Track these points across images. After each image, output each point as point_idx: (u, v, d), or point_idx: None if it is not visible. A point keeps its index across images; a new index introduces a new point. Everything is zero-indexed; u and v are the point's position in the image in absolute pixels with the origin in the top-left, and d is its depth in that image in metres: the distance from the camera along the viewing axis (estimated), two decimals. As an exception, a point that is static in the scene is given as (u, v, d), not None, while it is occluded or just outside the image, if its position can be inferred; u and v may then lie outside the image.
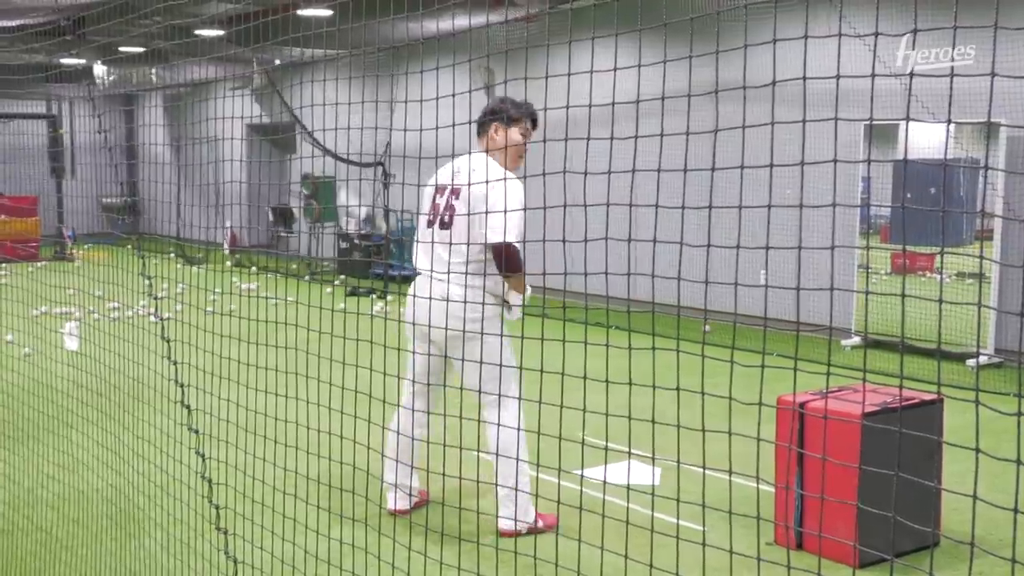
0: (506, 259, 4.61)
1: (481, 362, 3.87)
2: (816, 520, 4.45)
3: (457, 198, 4.85)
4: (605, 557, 2.62)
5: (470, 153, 4.87)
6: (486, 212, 4.49)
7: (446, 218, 4.86)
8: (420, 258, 4.92)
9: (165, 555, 4.40)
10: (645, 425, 2.52)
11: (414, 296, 4.83)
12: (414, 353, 4.98)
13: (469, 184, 4.69)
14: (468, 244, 4.58)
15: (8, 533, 4.96)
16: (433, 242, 4.80)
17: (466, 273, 4.40)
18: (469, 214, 4.67)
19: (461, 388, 4.66)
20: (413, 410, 4.72)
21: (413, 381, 4.92)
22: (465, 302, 4.16)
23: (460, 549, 3.24)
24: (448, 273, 4.59)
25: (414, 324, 4.73)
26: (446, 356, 4.92)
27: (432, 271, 4.73)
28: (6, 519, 5.14)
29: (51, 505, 5.24)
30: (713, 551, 2.43)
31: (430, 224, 4.92)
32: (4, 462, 5.78)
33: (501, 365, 4.29)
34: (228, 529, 3.78)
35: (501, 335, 4.74)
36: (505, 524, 4.68)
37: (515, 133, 4.95)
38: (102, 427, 5.03)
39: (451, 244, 4.66)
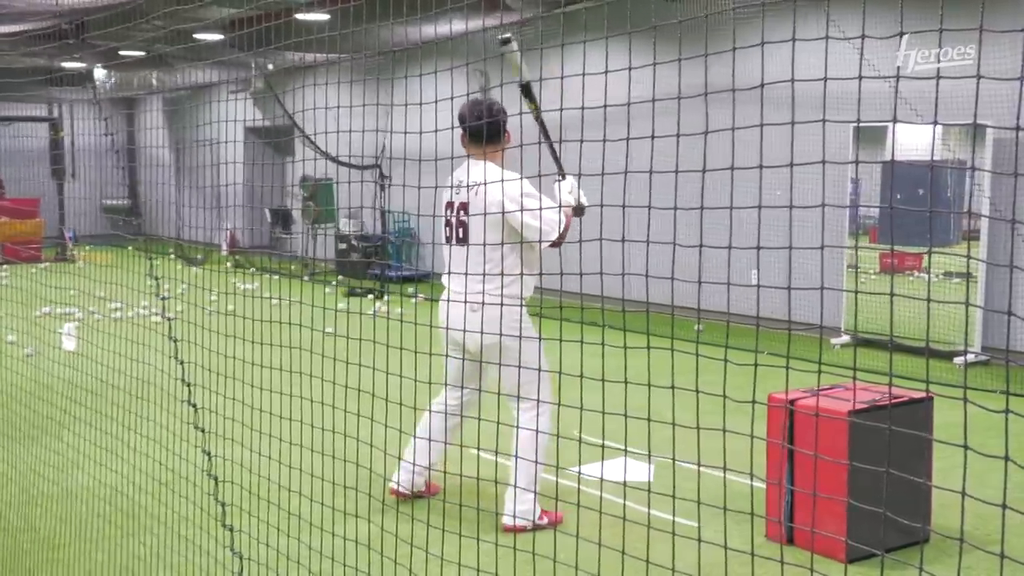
0: (563, 236, 4.70)
1: (520, 366, 4.05)
2: (807, 516, 4.52)
3: (466, 213, 4.92)
4: (602, 553, 2.68)
5: (468, 163, 4.93)
6: (522, 209, 4.61)
7: (460, 234, 4.96)
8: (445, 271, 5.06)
9: (171, 552, 4.46)
10: (641, 423, 2.58)
11: (448, 301, 4.82)
12: (447, 357, 5.08)
13: (485, 200, 4.75)
14: (484, 252, 4.75)
15: (5, 532, 5.02)
16: (453, 258, 4.96)
17: (500, 276, 4.69)
18: (484, 225, 4.76)
19: (499, 393, 4.94)
20: (446, 413, 5.03)
21: (446, 384, 5.10)
22: (503, 304, 4.33)
23: (461, 545, 3.30)
24: (473, 281, 4.70)
25: (447, 329, 4.89)
26: (481, 362, 5.02)
27: (457, 288, 4.84)
28: (4, 518, 5.19)
29: (51, 504, 5.29)
30: (707, 546, 2.49)
31: (447, 241, 5.05)
32: (3, 461, 5.83)
33: (539, 369, 4.51)
34: (234, 526, 3.84)
35: (538, 338, 4.87)
36: (507, 520, 4.82)
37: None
38: (104, 426, 5.08)
39: (471, 253, 4.76)
